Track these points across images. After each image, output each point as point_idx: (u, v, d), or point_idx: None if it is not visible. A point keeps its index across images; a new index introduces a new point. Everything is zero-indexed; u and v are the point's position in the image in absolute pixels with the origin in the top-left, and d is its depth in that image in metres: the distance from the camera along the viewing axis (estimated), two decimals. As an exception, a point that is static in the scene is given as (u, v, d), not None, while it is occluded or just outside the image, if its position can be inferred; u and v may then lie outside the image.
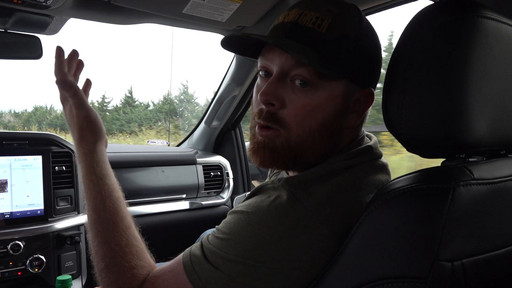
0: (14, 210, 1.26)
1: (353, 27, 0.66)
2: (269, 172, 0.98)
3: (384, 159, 0.74)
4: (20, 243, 1.22)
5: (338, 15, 0.66)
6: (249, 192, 0.69)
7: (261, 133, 0.68)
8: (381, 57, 0.72)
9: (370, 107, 0.72)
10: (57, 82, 0.80)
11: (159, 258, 0.79)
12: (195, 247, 0.67)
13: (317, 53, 0.64)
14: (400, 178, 0.57)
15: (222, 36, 1.53)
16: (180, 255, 0.68)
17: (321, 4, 0.67)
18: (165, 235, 1.62)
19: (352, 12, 0.67)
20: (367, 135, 0.77)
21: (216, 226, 0.67)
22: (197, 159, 1.80)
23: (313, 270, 0.61)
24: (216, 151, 1.99)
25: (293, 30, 0.66)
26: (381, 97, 0.64)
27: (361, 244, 0.57)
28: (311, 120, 0.66)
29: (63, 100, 0.84)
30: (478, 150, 0.60)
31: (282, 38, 0.66)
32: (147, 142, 2.20)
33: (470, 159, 0.60)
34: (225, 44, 0.72)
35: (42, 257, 1.26)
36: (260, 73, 0.72)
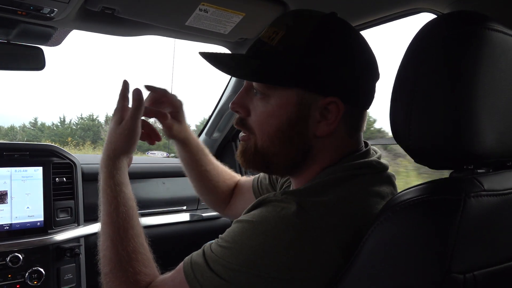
0: (14, 221, 1.25)
1: (304, 39, 0.67)
2: (278, 186, 0.98)
3: (390, 171, 0.74)
4: (19, 255, 1.21)
5: (291, 28, 0.69)
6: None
7: (241, 137, 0.77)
8: (358, 68, 0.70)
9: (362, 120, 0.73)
10: (135, 89, 0.87)
11: (162, 270, 0.79)
12: (196, 255, 0.67)
13: (262, 65, 0.69)
14: (409, 189, 0.57)
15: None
16: (181, 264, 0.68)
17: (282, 19, 0.71)
18: (166, 247, 1.60)
19: (308, 24, 0.68)
20: (373, 150, 0.77)
21: (220, 235, 0.67)
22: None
23: (318, 281, 0.60)
24: (216, 163, 1.98)
25: (253, 45, 0.74)
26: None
27: (370, 256, 0.56)
28: (268, 126, 0.71)
29: (120, 108, 0.87)
30: (486, 162, 0.60)
31: (246, 54, 0.74)
32: (147, 153, 2.19)
33: (478, 171, 0.60)
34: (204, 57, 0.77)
35: (42, 270, 1.24)
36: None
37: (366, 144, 0.77)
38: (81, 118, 21.78)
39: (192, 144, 1.05)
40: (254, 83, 0.72)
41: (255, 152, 0.74)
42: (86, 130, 21.10)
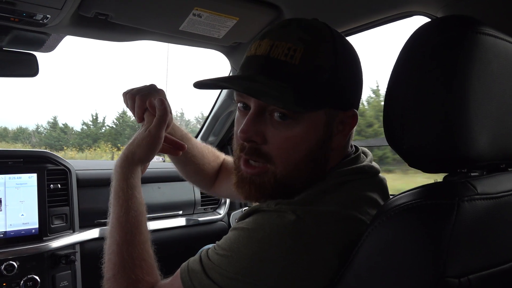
0: (8, 229, 1.24)
1: (328, 55, 0.65)
2: None
3: (381, 175, 0.74)
4: (14, 263, 1.20)
5: (310, 43, 0.64)
6: (246, 208, 0.69)
7: (247, 170, 0.69)
8: (361, 76, 0.71)
9: (355, 126, 0.72)
10: (159, 99, 0.84)
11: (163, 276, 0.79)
12: (193, 261, 0.67)
13: (292, 89, 0.62)
14: (403, 194, 0.57)
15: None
16: (178, 271, 0.68)
17: (292, 33, 0.65)
18: (162, 253, 1.60)
19: (325, 37, 0.66)
20: (363, 152, 0.77)
21: (217, 242, 0.66)
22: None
23: None
24: (212, 167, 1.98)
25: (266, 64, 0.65)
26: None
27: (365, 262, 0.56)
28: (296, 153, 0.66)
29: (151, 117, 0.85)
30: (479, 165, 0.60)
31: (255, 74, 0.65)
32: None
33: (472, 174, 0.60)
34: (199, 86, 0.71)
35: (37, 277, 1.23)
36: (239, 105, 0.71)
37: (356, 148, 0.77)
38: (124, 113, 18.38)
39: (176, 133, 1.00)
40: (274, 107, 0.64)
41: (276, 184, 0.67)
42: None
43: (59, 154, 1.43)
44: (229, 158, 1.15)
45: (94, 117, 18.52)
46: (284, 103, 0.61)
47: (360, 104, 0.74)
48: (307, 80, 0.63)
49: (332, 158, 0.71)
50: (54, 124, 18.25)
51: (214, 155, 1.14)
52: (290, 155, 0.66)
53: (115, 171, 0.84)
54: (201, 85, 0.70)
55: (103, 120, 19.26)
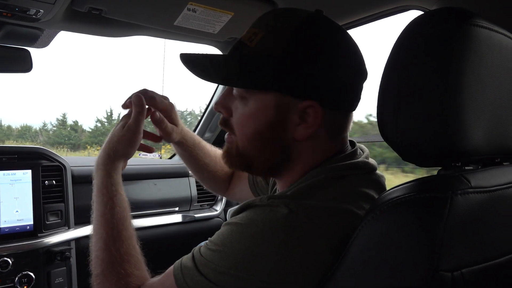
0: (3, 226, 1.24)
1: (283, 40, 0.66)
2: (271, 182, 0.97)
3: (379, 172, 0.74)
4: (8, 259, 1.19)
5: (272, 28, 0.67)
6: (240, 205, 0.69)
7: (226, 138, 0.78)
8: (339, 70, 0.68)
9: (346, 121, 0.72)
10: (136, 95, 0.88)
11: (152, 272, 0.79)
12: (186, 258, 0.66)
13: (234, 68, 0.69)
14: (396, 188, 0.56)
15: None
16: (171, 268, 0.68)
17: (263, 19, 0.70)
18: (158, 249, 1.59)
19: (289, 24, 0.66)
20: (360, 148, 0.76)
21: (209, 238, 0.66)
22: (190, 172, 1.78)
23: (308, 283, 0.59)
24: (208, 163, 1.97)
25: (233, 46, 0.72)
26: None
27: (358, 256, 0.56)
28: (247, 128, 0.71)
29: (128, 114, 0.90)
30: (474, 159, 0.60)
31: (219, 56, 0.75)
32: (139, 155, 2.17)
33: (466, 168, 0.60)
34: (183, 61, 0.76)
35: (32, 274, 1.23)
36: None
37: (353, 144, 0.76)
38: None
39: (188, 142, 1.06)
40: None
41: (237, 154, 0.74)
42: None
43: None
44: None
45: (109, 114, 17.36)
46: (222, 80, 0.75)
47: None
48: (256, 60, 0.67)
49: (303, 150, 0.70)
50: (63, 122, 17.05)
51: None
52: (244, 130, 0.72)
53: (97, 169, 0.86)
54: (182, 57, 0.74)
55: (118, 116, 18.26)
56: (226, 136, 0.78)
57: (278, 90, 0.67)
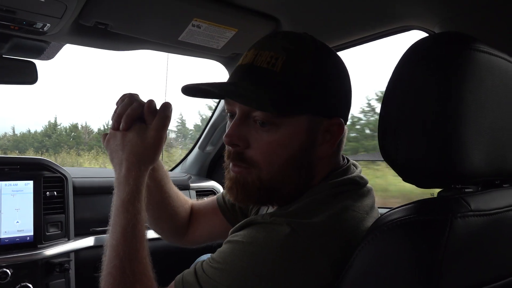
0: (3, 236, 1.24)
1: (309, 63, 0.67)
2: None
3: (369, 185, 0.75)
4: (7, 270, 1.19)
5: (292, 52, 0.67)
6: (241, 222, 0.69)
7: (233, 169, 0.71)
8: (348, 85, 0.73)
9: (343, 136, 0.73)
10: (167, 102, 0.81)
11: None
12: (187, 273, 0.66)
13: (271, 94, 0.64)
14: (397, 209, 0.57)
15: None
16: (172, 283, 0.67)
17: (276, 43, 0.68)
18: (157, 263, 1.59)
19: (308, 47, 0.68)
20: (353, 164, 0.78)
21: (211, 255, 0.66)
22: (190, 184, 1.78)
23: None
24: (209, 176, 1.98)
25: (249, 72, 0.68)
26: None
27: (359, 275, 0.56)
28: (278, 156, 0.67)
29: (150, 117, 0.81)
30: (474, 181, 0.60)
31: (238, 81, 0.68)
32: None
33: (466, 190, 0.60)
34: (187, 93, 0.73)
35: (30, 285, 1.22)
36: (228, 115, 0.74)
37: (347, 159, 0.78)
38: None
39: (160, 170, 0.96)
40: (257, 114, 0.66)
41: (260, 187, 0.69)
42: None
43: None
44: (198, 202, 1.09)
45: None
46: (259, 105, 0.64)
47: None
48: (286, 85, 0.65)
49: (321, 167, 0.71)
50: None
51: (184, 199, 1.06)
52: (273, 160, 0.67)
53: (125, 181, 0.76)
54: (187, 89, 0.72)
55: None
56: (233, 168, 0.71)
57: (310, 112, 0.67)
